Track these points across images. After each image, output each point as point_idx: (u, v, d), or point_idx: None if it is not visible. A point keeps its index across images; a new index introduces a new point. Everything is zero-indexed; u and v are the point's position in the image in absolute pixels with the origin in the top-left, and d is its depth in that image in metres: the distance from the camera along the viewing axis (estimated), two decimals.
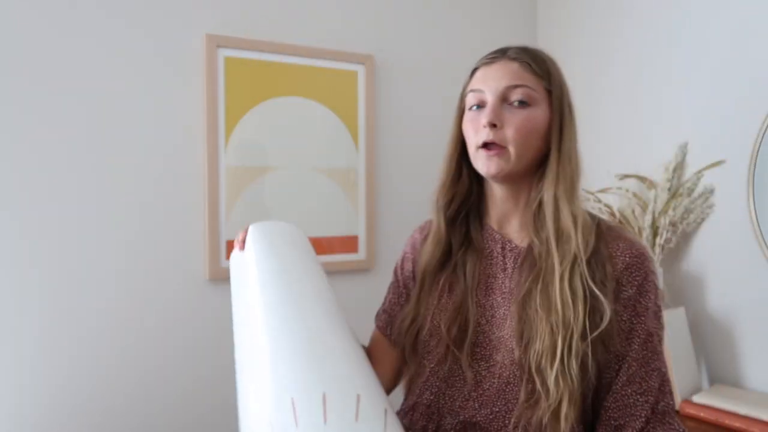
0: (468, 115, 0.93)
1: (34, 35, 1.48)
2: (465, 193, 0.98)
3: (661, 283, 0.86)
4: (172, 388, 1.64)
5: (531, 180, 0.92)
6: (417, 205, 1.95)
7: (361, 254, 1.91)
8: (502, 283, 0.93)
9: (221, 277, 1.69)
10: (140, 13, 1.60)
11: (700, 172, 1.68)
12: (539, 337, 0.83)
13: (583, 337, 0.82)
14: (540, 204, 0.90)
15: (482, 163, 0.90)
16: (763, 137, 1.53)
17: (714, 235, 1.67)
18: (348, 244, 1.90)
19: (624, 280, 0.86)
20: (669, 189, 1.72)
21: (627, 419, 0.84)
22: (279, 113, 1.78)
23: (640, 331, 0.86)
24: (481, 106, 0.91)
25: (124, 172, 1.59)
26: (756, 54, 1.57)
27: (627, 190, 1.81)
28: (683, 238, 1.73)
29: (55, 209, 1.51)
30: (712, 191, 1.67)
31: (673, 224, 1.68)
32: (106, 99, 1.56)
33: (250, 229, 1.01)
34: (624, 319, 0.86)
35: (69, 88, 1.52)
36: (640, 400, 0.85)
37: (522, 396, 0.84)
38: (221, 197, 1.70)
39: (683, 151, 1.73)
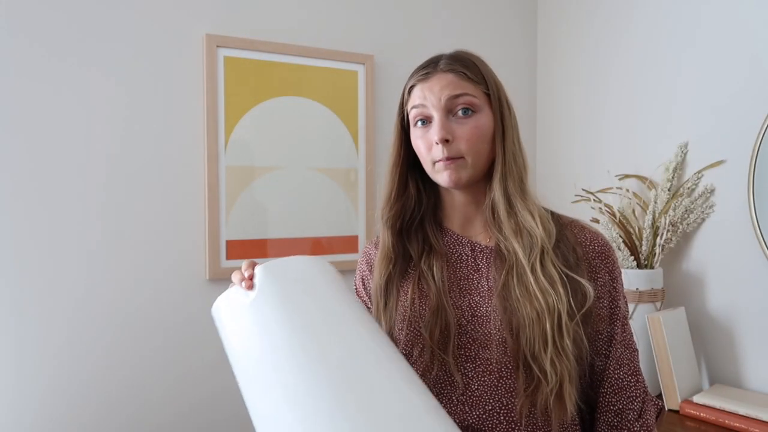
0: (415, 132, 0.94)
1: (33, 35, 1.48)
2: (413, 203, 0.99)
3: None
4: (172, 388, 1.64)
5: (486, 182, 0.94)
6: None
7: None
8: (478, 283, 0.93)
9: (221, 277, 1.69)
10: (140, 13, 1.60)
11: (700, 172, 1.68)
12: (528, 324, 0.84)
13: (571, 317, 0.85)
14: (493, 204, 0.92)
15: (442, 175, 0.91)
16: (763, 137, 1.53)
17: (714, 235, 1.67)
18: (348, 244, 1.90)
19: (597, 267, 0.91)
20: (669, 189, 1.72)
21: (626, 402, 0.90)
22: (279, 113, 1.78)
23: (619, 315, 0.92)
24: (426, 121, 0.92)
25: (124, 172, 1.59)
26: (756, 54, 1.57)
27: (627, 190, 1.81)
28: (683, 238, 1.73)
29: (55, 209, 1.51)
30: (712, 191, 1.67)
31: (673, 224, 1.68)
32: (106, 99, 1.56)
33: (260, 272, 0.81)
34: (604, 304, 0.91)
35: (69, 88, 1.52)
36: (632, 380, 0.91)
37: (521, 385, 0.85)
38: (221, 197, 1.70)
39: (683, 151, 1.73)
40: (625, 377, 0.91)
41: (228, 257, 1.70)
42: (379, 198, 1.93)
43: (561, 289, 0.85)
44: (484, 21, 2.15)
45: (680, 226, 1.68)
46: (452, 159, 0.89)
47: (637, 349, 0.94)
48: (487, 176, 0.94)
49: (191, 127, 1.67)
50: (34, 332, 1.49)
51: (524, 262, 0.87)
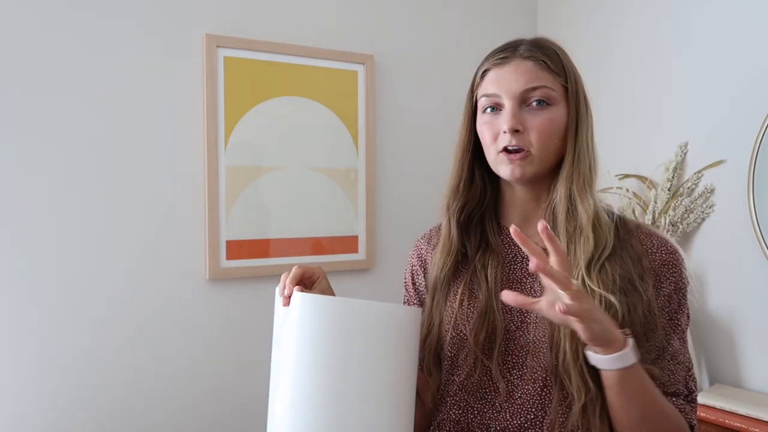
0: (483, 118, 0.89)
1: (33, 36, 1.48)
2: (478, 196, 0.94)
3: (692, 283, 0.89)
4: (172, 388, 1.64)
5: (551, 179, 0.89)
6: (417, 205, 1.96)
7: (361, 254, 1.91)
8: (531, 287, 0.89)
9: (221, 277, 1.69)
10: (140, 13, 1.60)
11: (700, 172, 1.68)
12: (566, 338, 0.80)
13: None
14: (554, 203, 0.87)
15: (505, 167, 0.86)
16: (763, 137, 1.53)
17: (714, 235, 1.67)
18: (348, 244, 1.90)
19: (663, 276, 0.85)
20: (669, 189, 1.72)
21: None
22: (279, 113, 1.78)
23: (677, 330, 0.85)
24: (496, 108, 0.87)
25: (124, 172, 1.59)
26: (756, 54, 1.57)
27: (627, 190, 1.81)
28: (683, 238, 1.73)
29: (56, 209, 1.51)
30: (712, 191, 1.67)
31: (673, 224, 1.68)
32: (106, 99, 1.56)
33: (301, 303, 0.81)
34: (663, 317, 0.84)
35: (69, 89, 1.52)
36: (673, 397, 0.84)
37: (555, 399, 0.82)
38: (221, 197, 1.70)
39: (683, 151, 1.73)
40: (670, 386, 0.83)
41: (228, 257, 1.70)
42: (379, 198, 1.94)
43: (614, 303, 0.79)
44: (484, 21, 2.15)
45: (680, 226, 1.68)
46: (518, 152, 0.85)
47: (688, 366, 0.86)
48: (552, 173, 0.88)
49: (191, 127, 1.67)
50: (34, 332, 1.49)
51: (575, 270, 0.82)
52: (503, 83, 0.86)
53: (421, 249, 1.04)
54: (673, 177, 1.72)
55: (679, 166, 1.73)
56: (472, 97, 0.93)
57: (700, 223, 1.70)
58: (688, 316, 0.88)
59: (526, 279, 0.90)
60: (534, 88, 0.85)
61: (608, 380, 0.76)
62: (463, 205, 0.93)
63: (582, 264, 0.82)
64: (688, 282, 0.87)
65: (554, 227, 0.86)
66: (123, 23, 1.58)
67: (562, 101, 0.87)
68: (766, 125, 1.52)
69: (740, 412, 1.43)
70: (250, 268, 1.73)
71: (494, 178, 0.94)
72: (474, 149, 0.93)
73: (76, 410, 1.53)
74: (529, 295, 0.85)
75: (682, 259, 0.87)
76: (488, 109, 0.88)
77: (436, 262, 0.95)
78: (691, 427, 0.84)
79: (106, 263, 1.57)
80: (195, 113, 1.67)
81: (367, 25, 1.94)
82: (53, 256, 1.51)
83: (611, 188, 1.84)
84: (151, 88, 1.61)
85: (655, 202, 1.71)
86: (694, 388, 0.85)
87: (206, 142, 1.67)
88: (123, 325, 1.59)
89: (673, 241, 0.89)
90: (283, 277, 0.86)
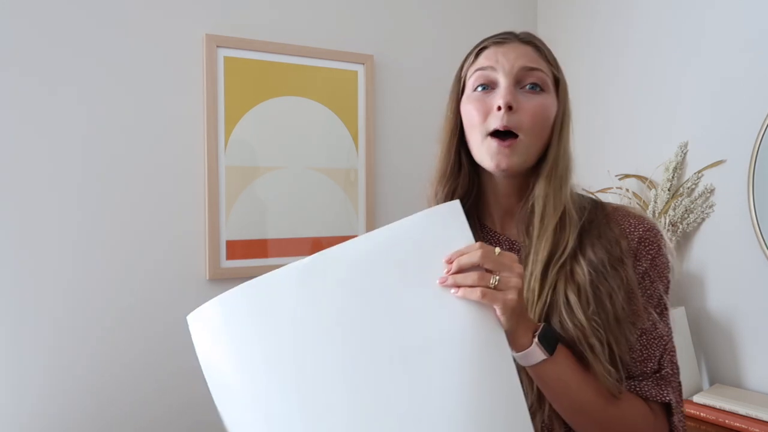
0: (472, 96, 0.86)
1: (34, 35, 1.48)
2: (466, 187, 0.90)
3: (673, 260, 0.84)
4: (172, 388, 1.64)
5: (531, 173, 0.86)
6: (417, 205, 1.95)
7: None
8: None
9: (221, 277, 1.69)
10: (140, 13, 1.60)
11: (700, 172, 1.68)
12: None
13: (597, 323, 0.79)
14: (532, 200, 0.85)
15: (491, 156, 0.82)
16: (763, 137, 1.53)
17: (714, 235, 1.67)
18: None
19: (639, 254, 0.83)
20: (669, 189, 1.72)
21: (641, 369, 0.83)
22: (279, 113, 1.78)
23: (652, 303, 0.84)
24: (488, 87, 0.84)
25: (124, 172, 1.59)
26: (756, 54, 1.57)
27: (627, 190, 1.81)
28: (683, 238, 1.73)
29: (56, 209, 1.51)
30: (712, 191, 1.67)
31: (673, 224, 1.68)
32: (105, 99, 1.56)
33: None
34: (642, 294, 0.83)
35: (69, 89, 1.52)
36: (646, 369, 0.83)
37: (531, 396, 0.82)
38: (221, 197, 1.70)
39: (683, 151, 1.73)
40: (639, 365, 0.82)
41: (228, 257, 1.70)
42: (379, 198, 1.94)
43: (574, 301, 0.79)
44: (484, 21, 2.15)
45: (680, 226, 1.68)
46: (508, 139, 0.81)
47: (665, 342, 0.84)
48: (533, 168, 0.86)
49: (191, 127, 1.67)
50: (33, 333, 1.49)
51: (533, 268, 0.82)
52: (501, 58, 0.83)
53: None
54: (673, 177, 1.72)
55: (679, 166, 1.73)
56: (461, 77, 0.91)
57: (700, 223, 1.70)
58: (666, 289, 0.86)
59: None
60: (531, 69, 0.83)
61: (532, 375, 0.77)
62: (452, 191, 0.90)
63: (539, 265, 0.81)
64: (667, 259, 0.86)
65: (529, 224, 0.85)
66: (123, 23, 1.58)
67: (553, 93, 0.86)
68: (766, 125, 1.52)
69: (740, 412, 1.43)
70: (250, 268, 1.73)
71: (478, 169, 0.90)
72: (461, 134, 0.89)
73: (76, 410, 1.53)
74: None
75: (661, 235, 0.86)
76: (479, 87, 0.85)
77: None
78: (667, 405, 0.82)
79: (106, 263, 1.57)
80: (195, 113, 1.67)
81: (367, 25, 1.94)
82: (53, 256, 1.51)
83: (611, 188, 1.84)
84: (151, 88, 1.61)
85: (655, 202, 1.71)
86: (666, 364, 0.83)
87: (206, 142, 1.67)
88: (123, 325, 1.59)
89: (651, 219, 0.89)
90: None
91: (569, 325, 0.78)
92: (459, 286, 0.68)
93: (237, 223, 1.72)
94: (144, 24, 1.60)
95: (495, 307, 0.68)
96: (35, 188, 1.49)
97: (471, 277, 0.68)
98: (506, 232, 0.91)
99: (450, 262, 0.69)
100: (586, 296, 0.79)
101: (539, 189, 0.84)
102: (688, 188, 1.69)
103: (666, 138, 1.78)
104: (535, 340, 0.73)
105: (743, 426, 1.41)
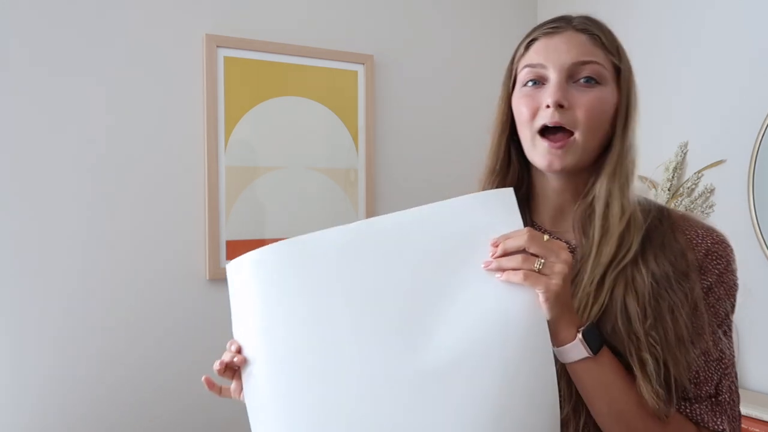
0: (521, 92, 0.80)
1: (34, 35, 1.48)
2: (515, 183, 0.84)
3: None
4: (173, 388, 1.64)
5: (590, 169, 0.80)
6: (417, 204, 1.95)
7: None
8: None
9: (221, 277, 1.68)
10: (140, 14, 1.60)
11: (700, 172, 1.68)
12: None
13: (653, 338, 0.72)
14: (592, 198, 0.78)
15: (542, 156, 0.77)
16: (763, 137, 1.53)
17: None
18: None
19: (705, 267, 0.76)
20: (669, 189, 1.72)
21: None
22: (279, 113, 1.78)
23: (716, 322, 0.76)
24: (539, 82, 0.78)
25: (125, 172, 1.59)
26: (756, 54, 1.57)
27: None
28: None
29: (56, 210, 1.51)
30: (712, 191, 1.67)
31: None
32: (106, 99, 1.56)
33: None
34: (705, 310, 0.75)
35: (69, 89, 1.52)
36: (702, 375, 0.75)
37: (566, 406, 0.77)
38: (221, 197, 1.70)
39: (683, 151, 1.73)
40: (695, 387, 0.74)
41: (228, 257, 1.70)
42: (379, 198, 1.94)
43: (634, 309, 0.73)
44: (484, 21, 2.15)
45: None
46: (561, 138, 0.75)
47: (726, 365, 0.76)
48: (591, 163, 0.79)
49: (191, 127, 1.67)
50: (33, 333, 1.49)
51: (595, 271, 0.75)
52: (551, 54, 0.77)
53: None
54: (673, 177, 1.72)
55: (679, 166, 1.73)
56: (512, 70, 0.84)
57: None
58: (732, 308, 0.78)
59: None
60: (585, 63, 0.76)
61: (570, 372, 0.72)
62: (498, 186, 0.84)
63: (600, 269, 0.75)
64: (736, 276, 0.78)
65: (586, 224, 0.79)
66: (123, 23, 1.58)
67: (613, 83, 0.79)
68: (766, 125, 1.52)
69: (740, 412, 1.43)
70: None
71: (528, 164, 0.85)
72: (512, 128, 0.84)
73: (76, 409, 1.53)
74: (573, 295, 0.77)
75: (731, 249, 0.78)
76: (529, 83, 0.79)
77: None
78: None
79: (106, 263, 1.57)
80: (195, 113, 1.67)
81: (367, 25, 1.93)
82: (53, 256, 1.51)
83: None
84: (151, 88, 1.61)
85: None
86: (725, 390, 0.76)
87: (206, 142, 1.67)
88: (123, 325, 1.59)
89: (721, 231, 0.79)
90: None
91: (623, 334, 0.73)
92: (503, 270, 0.66)
93: (237, 223, 1.72)
94: (144, 24, 1.60)
95: (538, 291, 0.66)
96: (35, 188, 1.49)
97: (515, 260, 0.66)
98: (558, 231, 0.85)
99: (496, 245, 0.67)
100: (644, 307, 0.73)
101: (601, 188, 0.77)
102: (688, 188, 1.69)
103: (666, 138, 1.78)
104: (579, 335, 0.69)
105: (743, 426, 1.41)
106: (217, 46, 1.67)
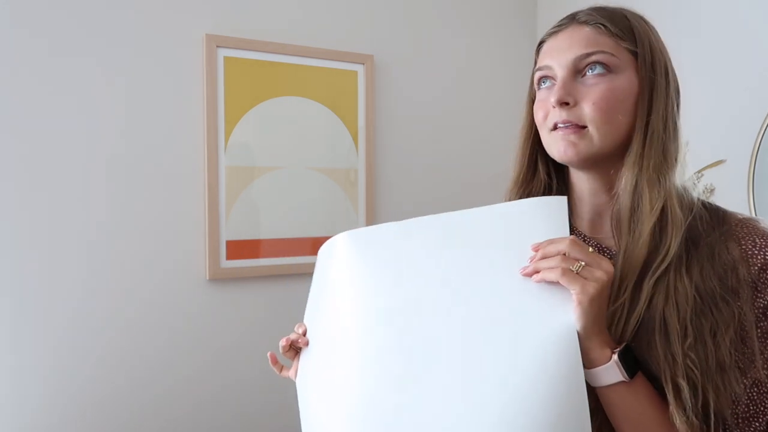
0: (537, 96, 0.79)
1: (33, 35, 1.48)
2: (542, 191, 0.82)
3: None
4: (172, 388, 1.64)
5: (618, 164, 0.75)
6: (417, 205, 1.95)
7: None
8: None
9: (221, 277, 1.69)
10: (140, 13, 1.60)
11: (700, 172, 1.68)
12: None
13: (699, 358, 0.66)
14: (619, 195, 0.74)
15: (557, 146, 0.74)
16: (763, 137, 1.53)
17: None
18: None
19: (760, 283, 0.68)
20: None
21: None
22: (279, 113, 1.78)
23: None
24: (549, 81, 0.77)
25: (124, 172, 1.59)
26: (756, 54, 1.57)
27: None
28: None
29: (55, 209, 1.51)
30: (712, 191, 1.67)
31: None
32: (105, 99, 1.56)
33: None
34: (757, 334, 0.67)
35: (68, 88, 1.52)
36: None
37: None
38: (221, 197, 1.70)
39: (683, 150, 1.73)
40: (743, 422, 0.67)
41: (228, 257, 1.70)
42: (379, 198, 1.93)
43: (674, 326, 0.66)
44: (484, 21, 2.15)
45: None
46: (572, 126, 0.72)
47: None
48: (619, 157, 0.75)
49: (191, 127, 1.67)
50: (34, 333, 1.49)
51: (626, 281, 0.70)
52: (554, 52, 0.76)
53: None
54: None
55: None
56: (532, 79, 0.83)
57: None
58: None
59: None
60: (588, 54, 0.73)
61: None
62: (526, 196, 0.82)
63: (632, 275, 0.69)
64: None
65: (619, 225, 0.74)
66: (123, 23, 1.58)
67: (629, 69, 0.74)
68: (766, 125, 1.52)
69: None
70: (250, 268, 1.73)
71: (560, 168, 0.83)
72: (536, 136, 0.81)
73: (76, 409, 1.53)
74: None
75: None
76: (542, 85, 0.78)
77: None
78: None
79: (106, 263, 1.57)
80: (195, 113, 1.67)
81: (367, 25, 1.93)
82: (53, 256, 1.51)
83: None
84: (151, 88, 1.62)
85: None
86: None
87: (206, 142, 1.67)
88: (123, 325, 1.59)
89: None
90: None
91: (659, 352, 0.67)
92: (539, 270, 0.65)
93: (237, 223, 1.72)
94: (144, 24, 1.60)
95: (572, 292, 0.63)
96: (35, 189, 1.49)
97: (554, 260, 0.64)
98: (598, 236, 0.79)
99: (536, 249, 0.66)
100: (685, 324, 0.66)
101: (626, 179, 0.72)
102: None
103: None
104: (615, 356, 0.64)
105: None
106: (217, 46, 1.68)
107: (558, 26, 0.79)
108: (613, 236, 0.76)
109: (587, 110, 0.72)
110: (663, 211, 0.70)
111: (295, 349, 0.85)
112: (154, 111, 1.62)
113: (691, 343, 0.66)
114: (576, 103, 0.73)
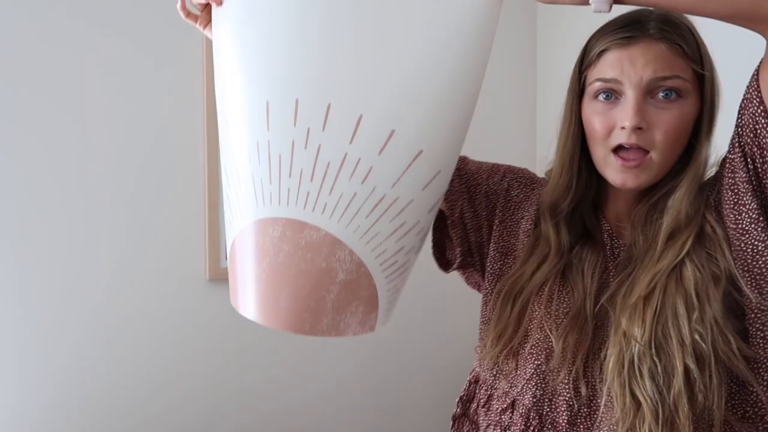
0: (594, 106, 0.74)
1: (33, 35, 1.48)
2: (583, 191, 0.80)
3: None
4: (172, 388, 1.64)
5: (667, 177, 0.76)
6: None
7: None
8: (626, 287, 0.77)
9: (221, 277, 1.69)
10: (140, 14, 1.60)
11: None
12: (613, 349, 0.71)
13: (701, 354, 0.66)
14: (659, 200, 0.75)
15: (616, 174, 0.73)
16: None
17: None
18: None
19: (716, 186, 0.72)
20: None
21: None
22: None
23: None
24: (613, 95, 0.73)
25: (125, 173, 1.59)
26: (757, 54, 1.57)
27: None
28: None
29: (56, 209, 1.51)
30: None
31: None
32: (106, 99, 1.56)
33: None
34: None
35: (69, 89, 1.52)
36: None
37: (619, 411, 0.72)
38: (221, 197, 1.70)
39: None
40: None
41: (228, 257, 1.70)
42: None
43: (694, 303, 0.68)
44: None
45: None
46: (635, 158, 0.71)
47: None
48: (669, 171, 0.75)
49: (191, 127, 1.67)
50: (34, 333, 1.49)
51: (650, 267, 0.71)
52: (627, 68, 0.71)
53: (535, 187, 0.90)
54: None
55: None
56: (580, 78, 0.78)
57: None
58: None
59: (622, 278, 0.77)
60: (665, 78, 0.70)
61: None
62: (575, 206, 0.80)
63: (661, 273, 0.71)
64: None
65: (649, 226, 0.75)
66: (123, 24, 1.58)
67: (694, 93, 0.73)
68: None
69: None
70: None
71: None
72: (579, 140, 0.78)
73: (75, 409, 1.53)
74: (625, 295, 0.73)
75: None
76: (602, 95, 0.73)
77: (532, 262, 0.80)
78: None
79: (106, 263, 1.57)
80: (195, 113, 1.67)
81: None
82: (53, 256, 1.51)
83: None
84: (151, 88, 1.62)
85: None
86: None
87: (206, 142, 1.67)
88: (123, 325, 1.59)
89: None
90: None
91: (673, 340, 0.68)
92: None
93: None
94: (144, 24, 1.60)
95: None
96: (35, 189, 1.49)
97: None
98: (619, 224, 0.81)
99: None
100: (692, 301, 0.68)
101: (677, 198, 0.73)
102: None
103: None
104: None
105: None
106: None
107: (627, 36, 0.73)
108: (633, 230, 0.77)
109: (657, 137, 0.71)
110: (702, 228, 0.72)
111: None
112: (155, 111, 1.62)
113: (697, 316, 0.68)
114: (648, 128, 0.71)
